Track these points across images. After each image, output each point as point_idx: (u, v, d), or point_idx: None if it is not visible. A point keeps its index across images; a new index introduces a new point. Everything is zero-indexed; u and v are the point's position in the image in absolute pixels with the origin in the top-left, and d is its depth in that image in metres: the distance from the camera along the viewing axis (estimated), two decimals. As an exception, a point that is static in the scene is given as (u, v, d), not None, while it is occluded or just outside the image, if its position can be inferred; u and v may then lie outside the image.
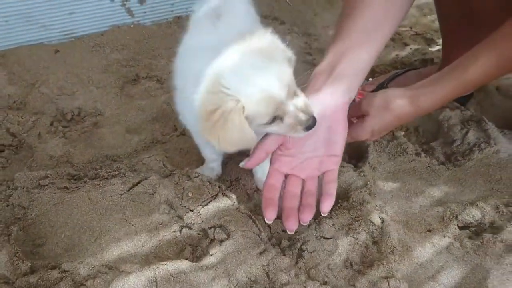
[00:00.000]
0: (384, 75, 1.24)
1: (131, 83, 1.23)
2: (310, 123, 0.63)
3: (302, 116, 0.63)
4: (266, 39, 0.67)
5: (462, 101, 1.18)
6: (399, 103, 0.72)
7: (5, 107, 1.11)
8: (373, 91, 1.19)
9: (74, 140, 1.02)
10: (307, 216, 0.66)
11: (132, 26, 1.44)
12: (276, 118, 0.64)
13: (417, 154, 0.98)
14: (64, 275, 0.72)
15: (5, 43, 1.28)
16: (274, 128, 0.65)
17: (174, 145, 1.01)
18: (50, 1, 1.31)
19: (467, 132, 1.04)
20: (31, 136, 1.03)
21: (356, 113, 0.76)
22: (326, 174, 0.71)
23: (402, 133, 1.02)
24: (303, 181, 0.71)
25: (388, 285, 0.68)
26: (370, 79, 1.27)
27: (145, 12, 1.46)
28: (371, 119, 0.73)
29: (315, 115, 0.64)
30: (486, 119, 1.09)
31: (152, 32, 1.45)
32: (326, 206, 0.67)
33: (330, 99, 0.70)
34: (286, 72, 0.65)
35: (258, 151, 0.69)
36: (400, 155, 0.98)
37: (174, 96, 0.81)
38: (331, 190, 0.68)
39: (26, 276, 0.72)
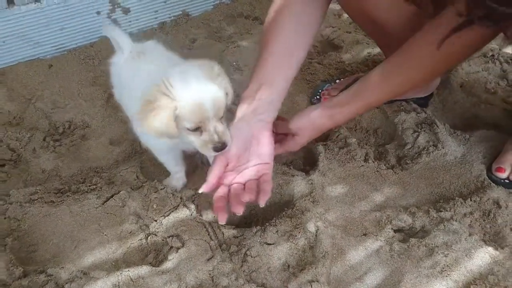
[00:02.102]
0: (348, 78, 1.30)
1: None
2: (219, 147, 0.79)
3: (216, 138, 0.76)
4: (216, 68, 0.80)
5: (422, 102, 1.24)
6: (320, 121, 0.89)
7: (6, 123, 1.26)
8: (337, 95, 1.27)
9: (63, 154, 1.16)
10: (249, 197, 0.80)
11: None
12: (197, 129, 0.78)
13: (366, 160, 1.07)
14: (49, 278, 0.87)
15: (4, 61, 1.42)
16: (192, 137, 0.80)
17: (149, 156, 1.13)
18: (42, 19, 1.43)
19: (418, 136, 1.11)
20: (27, 151, 1.18)
21: (284, 131, 0.91)
22: (262, 177, 0.85)
23: (354, 139, 1.10)
24: (244, 184, 0.85)
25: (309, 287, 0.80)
26: (338, 81, 1.34)
27: (130, 22, 1.56)
28: (300, 138, 0.90)
29: (228, 143, 0.79)
30: (443, 119, 1.16)
31: (138, 40, 1.55)
32: (263, 200, 0.81)
33: (255, 121, 0.86)
34: (221, 100, 0.80)
35: (211, 177, 0.83)
36: (351, 160, 1.07)
37: (131, 124, 0.93)
38: (267, 188, 0.83)
39: (19, 280, 0.87)
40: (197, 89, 0.77)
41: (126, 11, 1.55)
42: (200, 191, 0.83)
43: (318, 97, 1.30)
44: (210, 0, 1.68)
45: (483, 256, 0.83)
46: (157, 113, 0.76)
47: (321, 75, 1.39)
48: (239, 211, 0.79)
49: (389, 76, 0.85)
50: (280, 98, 0.87)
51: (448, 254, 0.84)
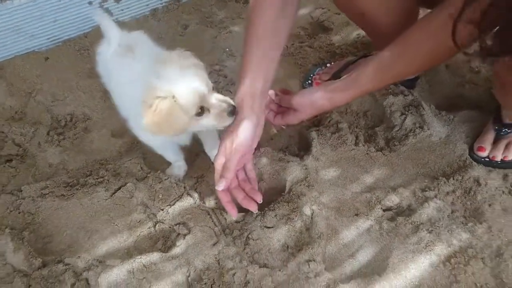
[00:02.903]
0: (338, 62, 1.35)
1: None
2: (232, 109, 0.84)
3: (224, 105, 0.81)
4: (183, 54, 0.86)
5: (410, 83, 1.29)
6: (320, 102, 0.95)
7: (9, 119, 1.30)
8: (329, 79, 1.31)
9: (67, 147, 1.21)
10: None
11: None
12: (203, 110, 0.83)
13: (356, 144, 1.13)
14: (67, 267, 0.94)
15: (1, 55, 1.44)
16: (205, 119, 0.84)
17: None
18: (35, 12, 1.44)
19: (405, 118, 1.17)
20: (33, 145, 1.23)
21: (287, 105, 0.97)
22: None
23: (345, 124, 1.16)
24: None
25: (309, 267, 0.88)
26: (328, 64, 1.38)
27: (122, 10, 1.57)
28: (300, 113, 0.96)
29: (233, 103, 0.84)
30: (429, 101, 1.22)
31: (131, 28, 1.56)
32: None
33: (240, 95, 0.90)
34: (203, 74, 0.84)
35: (229, 174, 0.89)
36: (341, 145, 1.13)
37: (128, 124, 0.98)
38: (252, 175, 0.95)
39: (39, 270, 0.95)
40: (183, 78, 0.81)
41: (118, -1, 1.56)
42: (218, 188, 0.88)
43: (309, 81, 1.35)
44: (200, -16, 1.69)
45: (463, 231, 0.92)
46: (159, 108, 0.79)
47: (312, 59, 1.43)
48: (254, 208, 0.90)
49: (385, 67, 0.89)
50: (270, 84, 0.93)
51: (432, 230, 0.92)
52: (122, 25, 1.59)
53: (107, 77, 1.04)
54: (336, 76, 1.31)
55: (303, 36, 1.53)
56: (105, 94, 1.36)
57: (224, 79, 1.38)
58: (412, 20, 1.04)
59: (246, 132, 0.87)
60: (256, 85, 0.90)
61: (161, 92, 0.79)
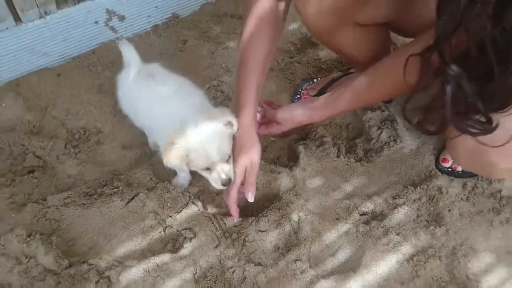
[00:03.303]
0: (325, 78, 1.50)
1: (122, 100, 1.53)
2: (225, 183, 1.01)
3: (223, 176, 0.97)
4: (225, 117, 1.01)
5: (387, 99, 1.45)
6: (300, 118, 1.11)
7: (28, 132, 1.45)
8: (316, 95, 1.47)
9: (83, 160, 1.36)
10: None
11: (116, 41, 1.70)
12: (208, 168, 0.99)
13: (338, 156, 1.30)
14: (91, 267, 1.11)
15: (17, 72, 1.57)
16: (204, 173, 1.03)
17: (158, 158, 1.34)
18: (47, 33, 1.57)
19: (381, 132, 1.34)
20: (52, 157, 1.37)
21: (271, 118, 1.13)
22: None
23: (329, 138, 1.33)
24: None
25: (296, 265, 1.05)
26: (315, 80, 1.54)
27: (126, 27, 1.71)
28: (282, 126, 1.13)
29: (232, 178, 1.02)
30: (401, 116, 1.38)
31: (134, 44, 1.70)
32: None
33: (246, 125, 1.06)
34: (226, 145, 1.02)
35: (233, 206, 1.08)
36: (325, 157, 1.30)
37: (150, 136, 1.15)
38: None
39: (67, 269, 1.11)
40: (207, 145, 0.98)
41: (122, 18, 1.69)
42: (235, 220, 1.13)
43: (298, 96, 1.51)
44: (198, 0, 1.82)
45: (425, 234, 1.09)
46: (175, 156, 0.98)
47: (300, 74, 1.58)
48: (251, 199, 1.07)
49: (359, 94, 1.05)
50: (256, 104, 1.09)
51: (399, 233, 1.10)
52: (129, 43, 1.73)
53: (128, 102, 1.19)
54: (321, 92, 1.46)
55: (293, 51, 1.68)
56: (114, 109, 1.50)
57: (221, 94, 1.53)
58: (385, 50, 1.20)
59: (258, 154, 1.06)
60: (253, 112, 1.06)
61: (182, 143, 0.96)
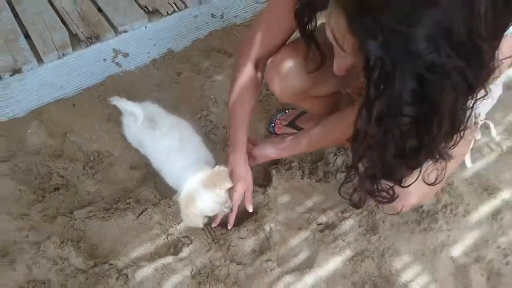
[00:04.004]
0: (295, 110, 1.85)
1: (128, 127, 1.85)
2: (228, 211, 1.37)
3: (226, 209, 1.33)
4: (221, 173, 1.34)
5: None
6: (271, 156, 1.46)
7: (51, 155, 1.76)
8: (286, 125, 1.82)
9: (100, 180, 1.69)
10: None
11: (121, 74, 2.02)
12: None
13: (302, 177, 1.66)
14: (111, 266, 1.45)
15: (38, 103, 1.88)
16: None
17: (161, 178, 1.68)
18: (64, 69, 1.88)
19: (337, 157, 1.70)
20: (73, 177, 1.70)
21: (249, 152, 1.45)
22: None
23: (296, 163, 1.68)
24: None
25: (267, 264, 1.42)
26: (287, 111, 1.88)
27: (129, 62, 2.02)
28: (257, 160, 1.48)
29: (232, 207, 1.37)
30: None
31: (135, 76, 2.03)
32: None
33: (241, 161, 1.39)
34: (223, 196, 1.34)
35: (231, 217, 1.42)
36: (292, 178, 1.65)
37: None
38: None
39: (93, 268, 1.45)
40: (209, 202, 1.33)
41: (126, 55, 2.00)
42: (250, 210, 1.45)
43: (273, 125, 1.85)
44: (189, 37, 2.14)
45: (363, 240, 1.47)
46: (187, 207, 1.32)
47: (275, 106, 1.93)
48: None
49: (314, 142, 1.38)
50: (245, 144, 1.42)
51: (344, 239, 1.47)
52: (129, 74, 2.05)
53: (137, 144, 1.52)
54: (292, 122, 1.82)
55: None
56: (122, 135, 1.83)
57: (210, 123, 1.86)
58: (337, 106, 1.55)
59: (251, 179, 1.42)
60: (244, 151, 1.40)
61: (189, 203, 1.31)
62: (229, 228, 1.48)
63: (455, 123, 0.84)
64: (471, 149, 1.36)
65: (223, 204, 1.35)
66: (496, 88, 1.33)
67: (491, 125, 1.42)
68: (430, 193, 1.34)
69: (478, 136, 1.42)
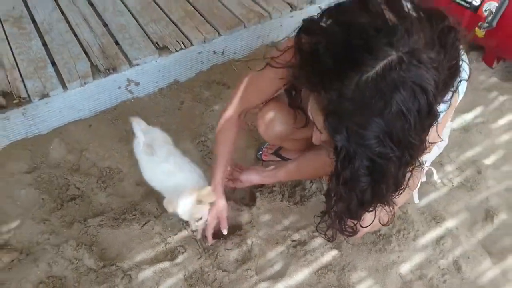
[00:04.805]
0: (279, 142, 2.16)
1: (136, 148, 2.15)
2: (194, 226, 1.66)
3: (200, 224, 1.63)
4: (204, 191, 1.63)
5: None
6: (256, 181, 1.77)
7: (70, 170, 2.06)
8: (272, 153, 2.13)
9: (110, 193, 1.99)
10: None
11: (132, 100, 2.32)
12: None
13: (281, 200, 1.96)
14: (118, 267, 1.74)
15: (60, 122, 2.18)
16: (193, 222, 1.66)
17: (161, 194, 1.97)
18: (84, 95, 2.18)
19: (312, 184, 2.01)
20: (88, 189, 2.00)
21: (237, 177, 1.75)
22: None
23: (277, 187, 1.98)
24: None
25: (247, 272, 1.71)
26: (273, 142, 2.19)
27: (140, 90, 2.33)
28: (243, 184, 1.78)
29: (206, 219, 1.65)
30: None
31: (145, 103, 2.34)
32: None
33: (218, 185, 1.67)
34: (204, 209, 1.63)
35: (209, 237, 1.70)
36: (273, 200, 1.96)
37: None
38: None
39: (102, 269, 1.74)
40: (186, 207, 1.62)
41: (137, 84, 2.31)
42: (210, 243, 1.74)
43: (260, 152, 2.16)
44: (193, 70, 2.45)
45: (328, 256, 1.76)
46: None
47: (264, 135, 2.23)
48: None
49: (291, 174, 1.71)
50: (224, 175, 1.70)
51: (313, 254, 1.77)
52: (139, 100, 2.36)
53: (142, 165, 1.82)
54: (277, 151, 2.13)
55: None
56: (130, 155, 2.12)
57: (206, 148, 2.17)
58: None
59: (224, 204, 1.68)
60: (222, 177, 1.67)
61: (169, 205, 1.62)
62: (209, 243, 1.78)
63: (398, 185, 1.19)
64: (427, 182, 1.68)
65: (195, 217, 1.64)
66: (442, 143, 1.66)
67: (434, 171, 1.75)
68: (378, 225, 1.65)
69: (423, 179, 1.76)
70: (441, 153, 2.06)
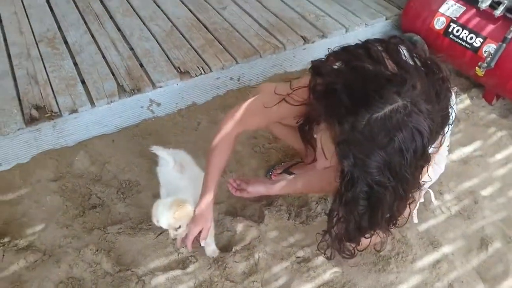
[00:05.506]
0: (287, 163, 2.30)
1: (154, 163, 2.30)
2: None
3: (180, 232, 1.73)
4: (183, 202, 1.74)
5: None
6: (261, 192, 1.83)
7: (93, 180, 2.22)
8: (281, 172, 2.27)
9: (129, 203, 2.13)
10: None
11: (153, 119, 2.50)
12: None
13: (288, 218, 2.08)
14: (133, 273, 1.86)
15: (86, 136, 2.35)
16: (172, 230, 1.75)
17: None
18: (109, 112, 2.36)
19: (318, 205, 2.14)
20: (108, 199, 2.14)
21: (244, 188, 1.85)
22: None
23: (284, 206, 2.12)
24: None
25: (253, 284, 1.82)
26: (282, 163, 2.34)
27: (160, 110, 2.50)
28: (250, 194, 1.84)
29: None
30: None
31: (165, 122, 2.51)
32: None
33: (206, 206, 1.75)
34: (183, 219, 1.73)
35: (189, 245, 1.79)
36: (281, 218, 2.08)
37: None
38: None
39: (118, 273, 1.86)
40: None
41: (158, 104, 2.49)
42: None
43: (270, 173, 2.30)
44: (210, 93, 2.63)
45: (330, 273, 1.87)
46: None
47: (274, 158, 2.38)
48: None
49: (297, 186, 1.85)
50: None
51: (316, 271, 1.88)
52: (159, 119, 2.53)
53: (167, 187, 1.95)
54: (286, 169, 2.27)
55: (270, 138, 2.48)
56: (149, 170, 2.28)
57: (220, 167, 2.31)
58: None
59: (211, 222, 1.75)
60: (212, 196, 1.71)
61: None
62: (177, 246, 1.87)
63: (392, 216, 1.34)
64: (426, 209, 1.82)
65: (173, 227, 1.69)
66: (439, 170, 1.80)
67: (432, 193, 1.88)
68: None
69: (421, 199, 1.89)
70: (441, 182, 2.21)
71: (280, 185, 1.86)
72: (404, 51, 1.29)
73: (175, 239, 1.82)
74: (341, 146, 1.18)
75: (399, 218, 1.40)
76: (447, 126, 1.40)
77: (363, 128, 1.13)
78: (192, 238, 1.71)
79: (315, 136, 1.62)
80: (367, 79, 1.16)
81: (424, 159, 1.22)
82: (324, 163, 1.38)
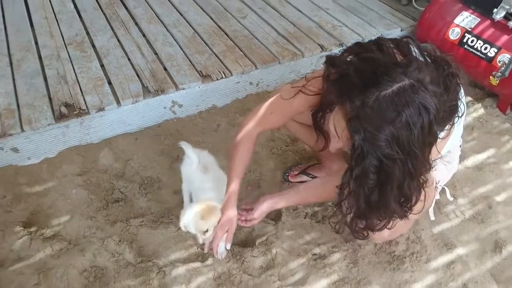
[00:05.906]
0: (306, 164, 2.36)
1: (175, 161, 2.39)
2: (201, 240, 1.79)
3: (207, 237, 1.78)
4: (212, 207, 1.80)
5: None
6: (267, 210, 1.84)
7: (116, 176, 2.30)
8: (298, 173, 2.33)
9: (150, 198, 2.21)
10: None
11: (175, 120, 2.59)
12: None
13: (305, 217, 2.14)
14: (154, 264, 1.92)
15: (111, 134, 2.45)
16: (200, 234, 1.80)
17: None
18: (134, 111, 2.46)
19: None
20: (131, 194, 2.22)
21: (251, 217, 1.87)
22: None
23: (301, 207, 2.17)
24: None
25: (271, 277, 1.87)
26: (299, 165, 2.40)
27: (182, 111, 2.60)
28: (257, 220, 1.84)
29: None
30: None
31: (185, 123, 2.60)
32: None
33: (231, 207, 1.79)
34: (210, 222, 1.77)
35: (214, 249, 1.83)
36: (297, 217, 2.14)
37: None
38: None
39: (139, 263, 1.92)
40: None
41: (180, 105, 2.58)
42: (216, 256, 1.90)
43: (287, 174, 2.36)
44: (230, 97, 2.72)
45: (346, 270, 1.91)
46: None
47: (290, 159, 2.45)
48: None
49: (301, 196, 1.88)
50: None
51: (331, 268, 1.92)
52: (180, 120, 2.63)
53: (190, 184, 2.02)
54: (303, 171, 2.33)
55: (287, 141, 2.55)
56: (170, 167, 2.36)
57: (239, 167, 2.38)
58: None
59: (235, 218, 1.78)
60: (238, 186, 1.77)
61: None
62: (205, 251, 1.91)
63: (403, 193, 1.38)
64: (440, 212, 1.88)
65: (201, 231, 1.74)
66: (452, 168, 1.85)
67: (447, 190, 1.93)
68: (398, 231, 1.79)
69: (437, 196, 1.94)
70: (455, 187, 2.25)
71: (284, 198, 1.83)
72: (414, 49, 1.36)
73: (203, 244, 1.86)
74: (352, 122, 1.25)
75: (413, 201, 1.42)
76: (457, 118, 1.45)
77: (372, 104, 1.20)
78: (218, 241, 1.74)
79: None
80: (377, 64, 1.24)
81: (431, 135, 1.27)
82: (337, 143, 1.46)
